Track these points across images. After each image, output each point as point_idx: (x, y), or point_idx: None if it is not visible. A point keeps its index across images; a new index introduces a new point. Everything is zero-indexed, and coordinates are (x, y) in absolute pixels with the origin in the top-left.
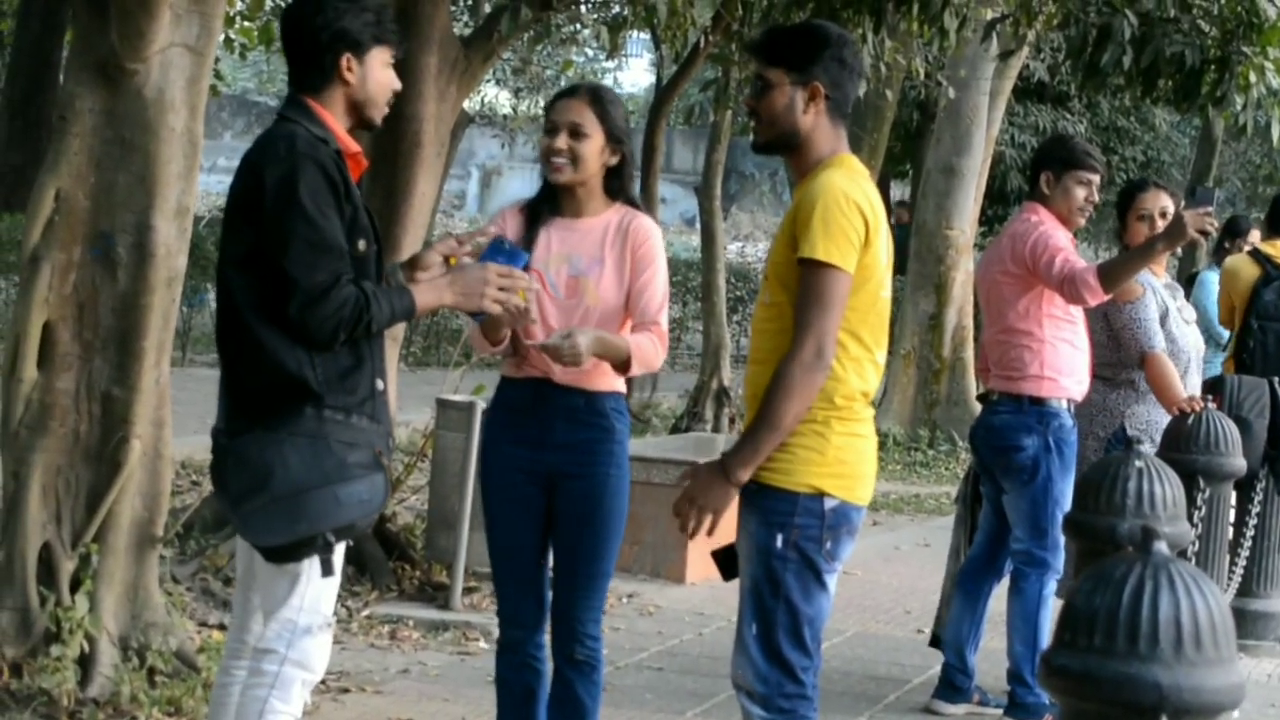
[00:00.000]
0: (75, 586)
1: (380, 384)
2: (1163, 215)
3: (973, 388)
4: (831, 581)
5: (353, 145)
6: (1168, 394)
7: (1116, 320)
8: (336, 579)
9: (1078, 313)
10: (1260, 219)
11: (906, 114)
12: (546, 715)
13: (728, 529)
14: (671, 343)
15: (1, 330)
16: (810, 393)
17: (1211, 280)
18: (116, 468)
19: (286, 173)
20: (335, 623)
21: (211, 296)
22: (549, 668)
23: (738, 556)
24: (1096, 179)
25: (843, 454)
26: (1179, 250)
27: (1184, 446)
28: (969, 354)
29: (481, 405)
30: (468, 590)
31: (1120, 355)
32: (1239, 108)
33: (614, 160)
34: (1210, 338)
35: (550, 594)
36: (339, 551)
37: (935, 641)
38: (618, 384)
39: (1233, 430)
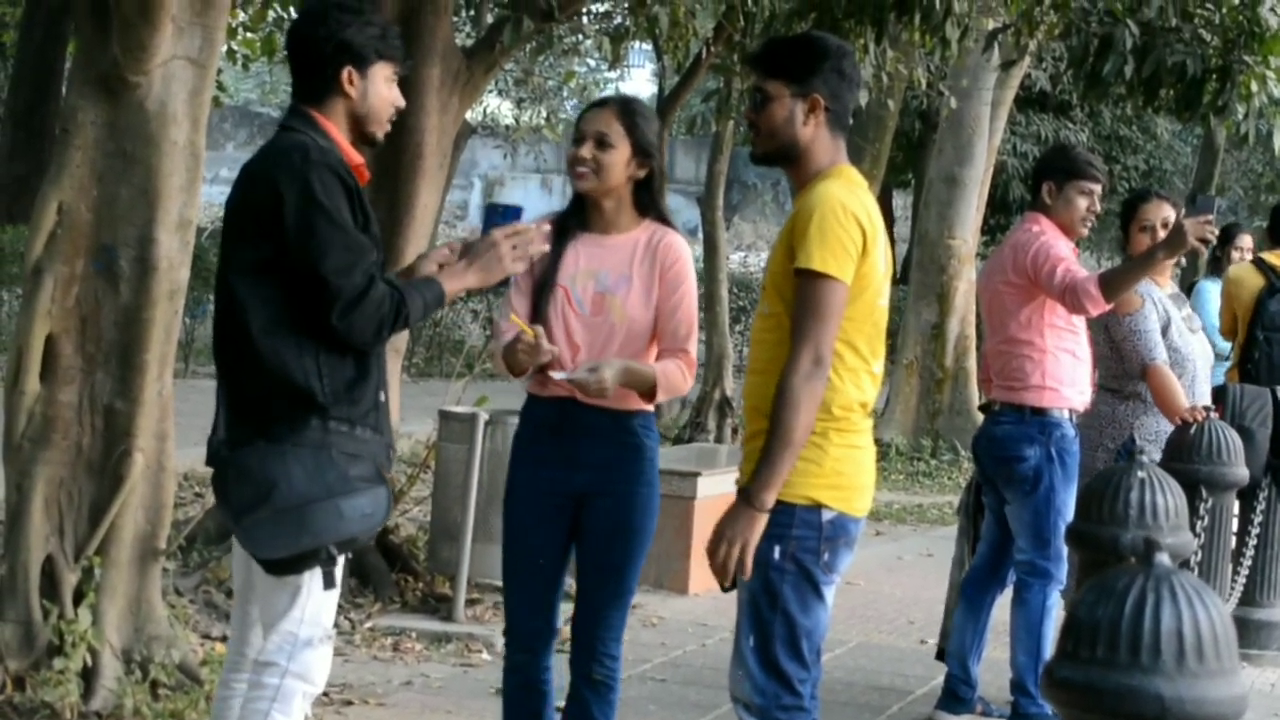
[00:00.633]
0: (78, 599)
1: (383, 396)
2: (1165, 225)
3: (975, 397)
4: (829, 593)
5: (356, 157)
6: (1169, 405)
7: (1117, 332)
8: (337, 591)
9: (1080, 323)
10: (1262, 227)
11: (908, 124)
12: None
13: None
14: None
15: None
16: (814, 402)
17: (1208, 290)
18: (119, 480)
19: (306, 182)
20: (337, 635)
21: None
22: (554, 688)
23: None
24: (1098, 189)
25: (840, 465)
26: (1183, 259)
27: (1186, 456)
28: (971, 363)
29: (484, 417)
30: (470, 602)
31: (1125, 367)
32: (1241, 116)
33: (641, 173)
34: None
35: (559, 615)
36: (340, 564)
37: (942, 654)
38: (644, 403)
39: (1235, 440)
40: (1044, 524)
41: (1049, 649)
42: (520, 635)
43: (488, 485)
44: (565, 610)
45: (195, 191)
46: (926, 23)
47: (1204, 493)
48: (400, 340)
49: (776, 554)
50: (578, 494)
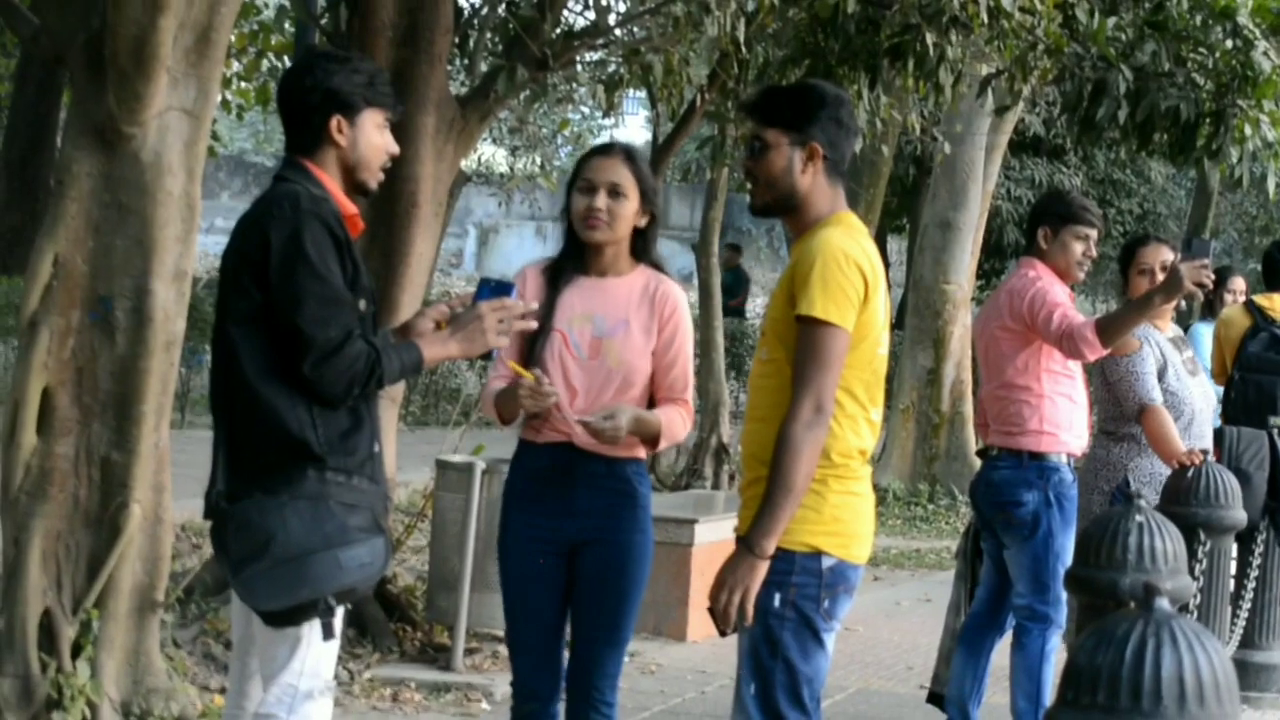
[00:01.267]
0: (76, 652)
1: (377, 446)
2: (1163, 269)
3: (972, 441)
4: (829, 640)
5: (350, 207)
6: (1165, 447)
7: (1113, 374)
8: (336, 642)
9: (1076, 367)
10: (1257, 269)
11: (903, 169)
12: None
13: None
14: None
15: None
16: (815, 450)
17: (1202, 333)
18: (116, 533)
19: (293, 231)
20: (336, 686)
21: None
22: None
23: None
24: (1094, 233)
25: (839, 512)
26: (1183, 303)
27: (1184, 500)
28: (968, 408)
29: (481, 466)
30: (469, 651)
31: (1120, 409)
32: (1234, 160)
33: (643, 221)
34: None
35: (563, 662)
36: (339, 615)
37: (934, 698)
38: (639, 450)
39: (1233, 483)
40: (1043, 569)
41: (1049, 694)
42: (527, 685)
43: (485, 534)
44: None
45: (191, 242)
46: (920, 69)
47: (1202, 536)
48: (397, 389)
49: (777, 601)
50: (572, 543)
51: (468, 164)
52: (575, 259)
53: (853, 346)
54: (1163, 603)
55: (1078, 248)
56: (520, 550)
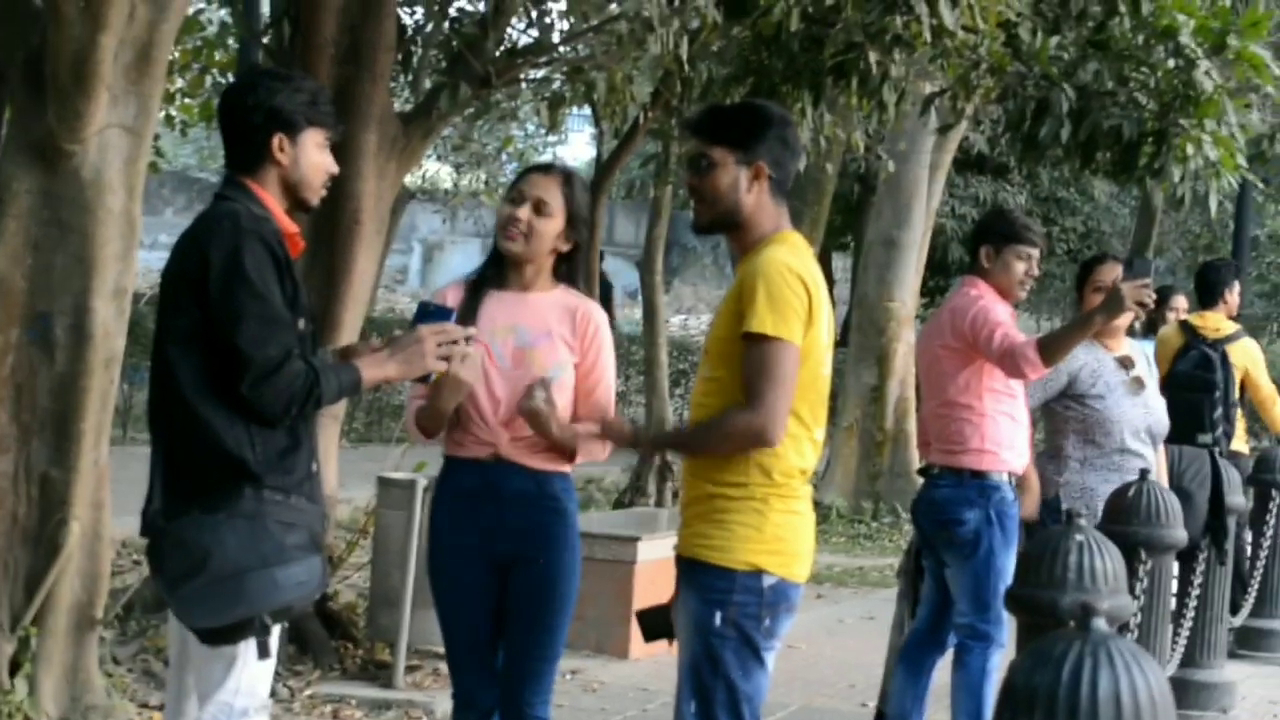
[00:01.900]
0: (14, 670)
1: (315, 465)
2: (1110, 288)
3: (915, 460)
4: (770, 659)
5: (291, 226)
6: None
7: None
8: (273, 661)
9: (1018, 386)
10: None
11: (847, 187)
12: None
13: (661, 592)
14: None
15: None
16: (738, 451)
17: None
18: (55, 550)
19: (232, 249)
20: (275, 702)
21: None
22: None
23: (663, 621)
24: (1036, 253)
25: (780, 531)
26: (1137, 324)
27: (1125, 518)
28: (911, 426)
29: (423, 482)
30: (410, 669)
31: (1049, 424)
32: (1177, 179)
33: (566, 247)
34: None
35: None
36: (275, 633)
37: (880, 717)
38: (564, 465)
39: (1173, 502)
40: (984, 587)
41: (989, 713)
42: (467, 698)
43: (427, 551)
44: None
45: (131, 259)
46: (864, 87)
47: (1143, 555)
48: (339, 406)
49: (718, 620)
50: (503, 560)
51: (412, 180)
52: (497, 274)
53: (799, 365)
54: (1100, 623)
55: (1020, 267)
56: (453, 569)
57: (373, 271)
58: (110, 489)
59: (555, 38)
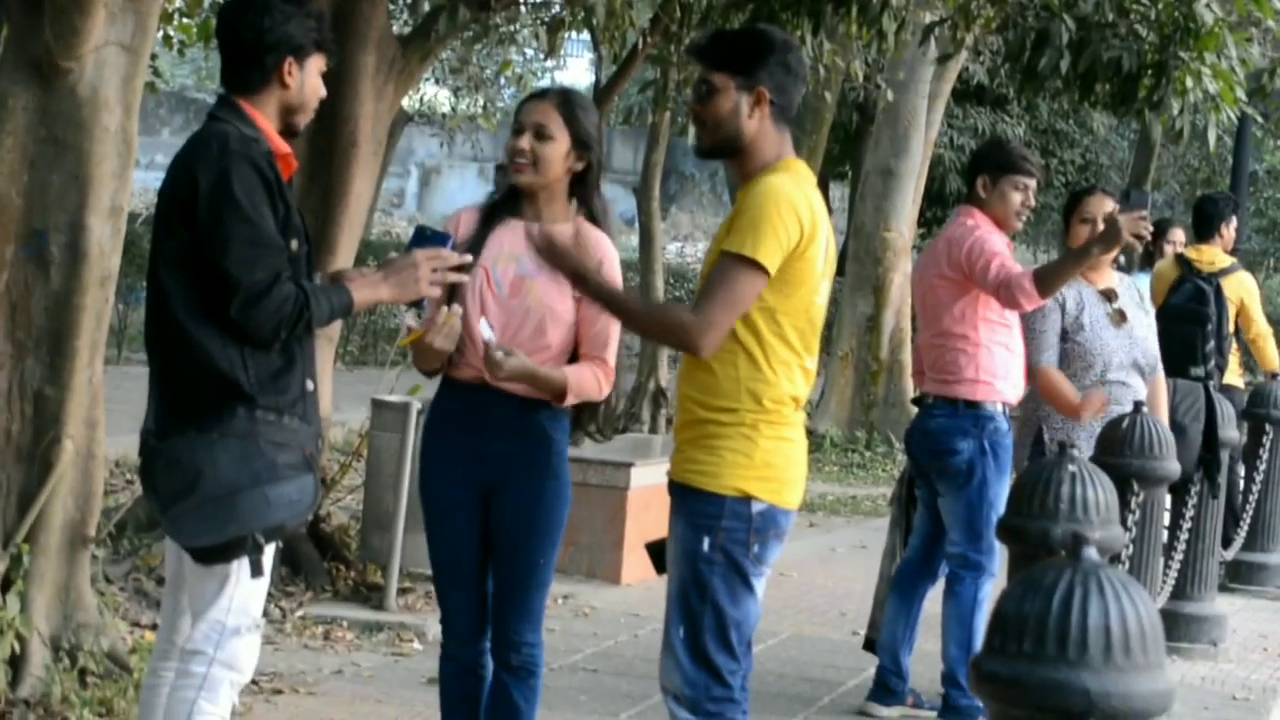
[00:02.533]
0: (6, 587)
1: (310, 384)
2: (1106, 220)
3: (910, 390)
4: (759, 585)
5: (283, 146)
6: (1060, 403)
7: (1023, 327)
8: (266, 580)
9: (1013, 317)
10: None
11: (845, 116)
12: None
13: (655, 519)
14: None
15: None
16: (662, 341)
17: (1141, 284)
18: (48, 468)
19: (221, 172)
20: (267, 623)
21: None
22: (490, 672)
23: None
24: (1033, 183)
25: (771, 457)
26: (1122, 256)
27: (1118, 450)
28: (906, 356)
29: (417, 406)
30: (402, 591)
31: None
32: (1176, 112)
33: (579, 166)
34: None
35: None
36: (268, 552)
37: (869, 645)
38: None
39: (1167, 434)
40: (976, 517)
41: (980, 641)
42: (455, 624)
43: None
44: None
45: (127, 178)
46: (863, 16)
47: (1135, 487)
48: (334, 328)
49: (705, 545)
50: (486, 486)
51: (410, 104)
52: (511, 203)
53: (788, 294)
54: (1091, 552)
55: (1016, 197)
56: (440, 493)
57: (369, 194)
58: (104, 408)
59: None
